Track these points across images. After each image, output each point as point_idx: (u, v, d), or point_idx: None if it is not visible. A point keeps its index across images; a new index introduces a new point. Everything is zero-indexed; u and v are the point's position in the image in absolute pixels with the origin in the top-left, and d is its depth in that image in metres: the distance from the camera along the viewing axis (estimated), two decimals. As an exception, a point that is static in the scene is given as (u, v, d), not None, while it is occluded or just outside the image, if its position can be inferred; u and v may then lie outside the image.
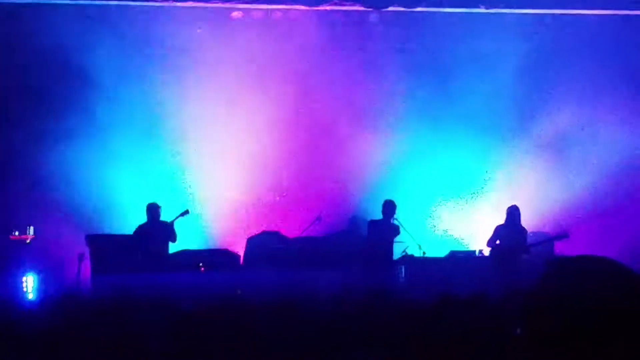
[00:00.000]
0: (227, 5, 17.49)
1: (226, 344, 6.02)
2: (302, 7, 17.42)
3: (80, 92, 16.89)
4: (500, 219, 14.81)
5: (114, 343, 5.80)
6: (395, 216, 14.86)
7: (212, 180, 17.13)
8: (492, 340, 5.18)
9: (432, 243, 16.23)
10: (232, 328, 6.28)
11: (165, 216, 15.02)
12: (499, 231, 14.66)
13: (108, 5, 17.28)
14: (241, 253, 15.18)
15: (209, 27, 17.27)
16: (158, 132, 17.22)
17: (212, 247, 16.35)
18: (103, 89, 16.78)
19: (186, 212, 15.05)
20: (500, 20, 17.42)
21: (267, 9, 17.56)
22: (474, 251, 15.47)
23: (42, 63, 16.81)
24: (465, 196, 17.58)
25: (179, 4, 17.24)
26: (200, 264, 14.59)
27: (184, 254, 15.09)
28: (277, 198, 17.47)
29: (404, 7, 17.43)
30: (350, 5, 17.55)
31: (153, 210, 15.03)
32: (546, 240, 14.88)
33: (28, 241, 16.39)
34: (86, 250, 14.86)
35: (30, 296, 15.04)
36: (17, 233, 16.41)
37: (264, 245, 15.07)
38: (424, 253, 15.09)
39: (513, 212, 14.69)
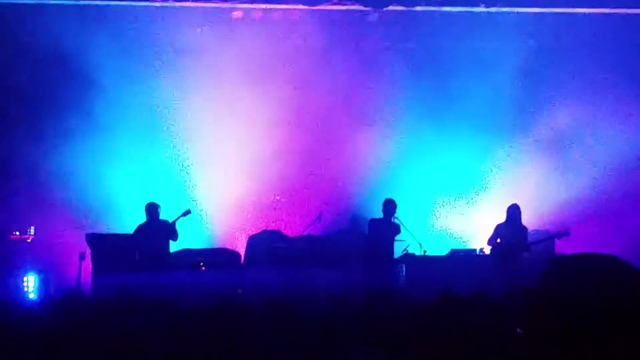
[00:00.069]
0: (227, 5, 17.48)
1: (226, 343, 6.02)
2: (302, 7, 17.42)
3: (80, 92, 16.90)
4: (501, 218, 14.81)
5: (114, 343, 5.81)
6: (395, 215, 14.85)
7: (213, 180, 17.13)
8: (493, 339, 5.19)
9: (432, 242, 16.22)
10: (233, 327, 6.29)
11: (166, 216, 15.01)
12: (499, 230, 14.66)
13: (108, 5, 17.27)
14: (242, 252, 15.18)
15: (209, 27, 17.27)
16: (158, 131, 17.23)
17: (213, 246, 16.34)
18: (103, 89, 16.77)
19: (188, 211, 15.03)
20: (500, 19, 17.40)
21: (267, 9, 17.55)
22: (475, 250, 15.46)
23: (42, 63, 16.82)
24: (466, 195, 17.58)
25: (178, 4, 17.23)
26: (201, 263, 14.59)
27: (185, 253, 15.09)
28: (278, 197, 17.47)
29: (404, 6, 17.42)
30: (349, 4, 17.54)
31: (152, 209, 15.00)
32: (547, 238, 14.87)
33: (29, 241, 16.41)
34: (87, 250, 14.85)
35: (31, 296, 15.05)
36: (18, 233, 16.43)
37: (265, 244, 15.06)
38: (424, 252, 15.09)
39: (513, 211, 14.68)
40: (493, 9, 17.45)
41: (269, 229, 15.98)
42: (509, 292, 8.14)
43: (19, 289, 15.10)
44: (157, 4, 17.25)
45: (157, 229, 14.83)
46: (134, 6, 17.34)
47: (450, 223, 17.46)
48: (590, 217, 16.59)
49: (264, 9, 17.55)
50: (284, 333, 6.14)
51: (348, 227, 15.99)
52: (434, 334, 5.41)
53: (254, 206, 17.26)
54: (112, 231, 15.87)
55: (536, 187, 16.93)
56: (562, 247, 14.63)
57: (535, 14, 17.59)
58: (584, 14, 17.59)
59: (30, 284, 15.28)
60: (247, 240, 15.30)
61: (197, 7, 17.33)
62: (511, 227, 14.56)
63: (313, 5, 17.36)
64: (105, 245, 14.73)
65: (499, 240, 14.58)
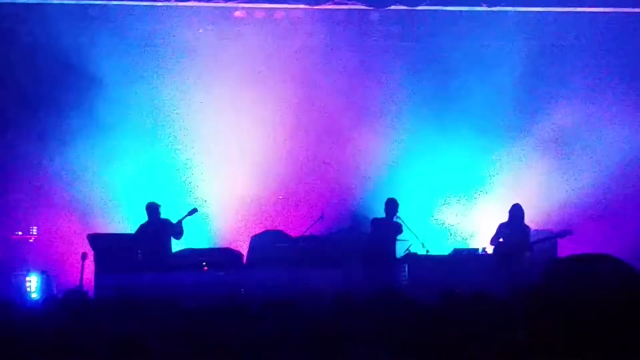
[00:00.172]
0: (230, 4, 17.48)
1: (229, 343, 6.02)
2: (304, 6, 17.42)
3: (83, 91, 16.91)
4: (504, 217, 14.80)
5: (117, 342, 5.81)
6: (397, 214, 14.85)
7: (215, 179, 17.14)
8: (495, 339, 5.19)
9: (435, 241, 16.22)
10: (235, 326, 6.29)
11: (171, 215, 15.04)
12: (502, 229, 14.65)
13: (111, 4, 17.28)
14: (244, 252, 15.18)
15: (212, 26, 17.27)
16: (161, 131, 17.25)
17: (215, 245, 16.34)
18: (105, 88, 16.78)
19: (194, 210, 15.08)
20: (502, 18, 17.39)
21: (269, 8, 17.55)
22: (477, 249, 15.45)
23: (44, 63, 16.82)
24: (468, 194, 17.58)
25: (181, 3, 17.23)
26: (204, 263, 14.59)
27: (187, 252, 15.09)
28: (280, 197, 17.48)
29: (406, 5, 17.41)
30: (351, 4, 17.54)
31: (152, 209, 15.02)
32: (549, 237, 14.86)
33: (31, 241, 16.42)
34: (89, 250, 14.86)
35: (34, 296, 15.06)
36: (20, 233, 16.44)
37: (267, 244, 15.05)
38: (427, 251, 15.08)
39: (516, 211, 14.66)
40: (495, 8, 17.44)
41: (271, 228, 15.98)
42: (512, 291, 8.14)
43: (22, 289, 15.11)
44: (159, 4, 17.25)
45: (158, 228, 14.84)
46: (136, 5, 17.34)
47: (452, 222, 17.45)
48: (593, 216, 16.58)
49: (266, 8, 17.54)
50: (286, 333, 6.14)
51: (350, 227, 15.99)
52: (437, 334, 5.41)
53: (256, 206, 17.26)
54: (114, 231, 15.89)
55: (538, 187, 16.93)
56: (565, 247, 14.62)
57: (537, 13, 17.57)
58: (586, 12, 17.57)
59: (33, 283, 15.29)
60: (250, 240, 15.29)
61: (199, 7, 17.33)
62: (514, 227, 14.54)
63: (315, 5, 17.36)
64: (108, 245, 14.73)
65: (501, 239, 14.57)
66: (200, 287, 13.26)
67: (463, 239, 17.13)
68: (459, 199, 17.59)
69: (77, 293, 9.99)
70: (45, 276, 15.22)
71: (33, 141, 16.91)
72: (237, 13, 17.59)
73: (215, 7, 17.42)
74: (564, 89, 17.35)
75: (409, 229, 14.98)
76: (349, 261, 14.35)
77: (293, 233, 15.82)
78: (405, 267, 14.57)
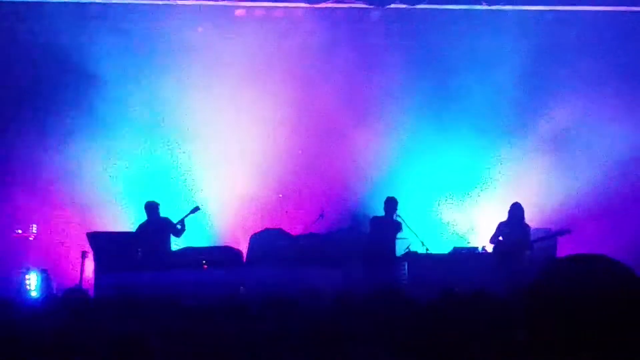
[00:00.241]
0: (230, 3, 17.48)
1: (228, 341, 6.02)
2: (304, 5, 17.42)
3: (82, 90, 16.92)
4: (503, 216, 14.81)
5: (116, 341, 5.81)
6: (397, 213, 14.86)
7: (215, 178, 17.14)
8: (495, 338, 5.18)
9: (435, 240, 16.23)
10: (235, 325, 6.29)
11: (172, 214, 15.07)
12: (501, 228, 14.66)
13: (110, 3, 17.29)
14: (244, 250, 15.19)
15: (212, 25, 17.27)
16: (161, 130, 17.25)
17: (215, 244, 16.35)
18: (105, 87, 16.79)
19: (197, 208, 15.15)
20: (502, 17, 17.39)
21: (269, 7, 17.56)
22: (477, 248, 15.46)
23: (44, 61, 16.84)
24: (468, 193, 17.58)
25: (181, 2, 17.24)
26: (204, 261, 14.60)
27: (187, 251, 15.11)
28: (280, 195, 17.48)
29: (405, 4, 17.42)
30: (351, 2, 17.55)
31: (151, 208, 15.05)
32: (549, 236, 14.87)
33: (31, 239, 16.42)
34: (89, 248, 14.87)
35: (34, 294, 15.06)
36: (20, 231, 16.45)
37: (267, 242, 15.07)
38: (427, 250, 15.09)
39: (516, 209, 14.67)
40: (494, 7, 17.44)
41: (271, 227, 15.99)
42: (512, 290, 8.14)
43: (21, 287, 15.12)
44: (159, 2, 17.25)
45: (157, 227, 14.87)
46: (136, 4, 17.35)
47: (452, 221, 17.46)
48: (592, 215, 16.58)
49: (266, 6, 17.55)
50: (286, 331, 6.14)
51: (350, 226, 15.99)
52: (436, 333, 5.41)
53: (256, 204, 17.27)
54: (114, 229, 15.91)
55: (538, 186, 16.93)
56: (565, 245, 14.63)
57: (536, 11, 17.58)
58: (585, 11, 17.58)
59: (32, 282, 15.30)
60: (250, 239, 15.31)
61: (199, 5, 17.33)
62: (513, 226, 14.55)
63: (315, 3, 17.36)
64: (107, 244, 14.74)
65: (501, 238, 14.58)
66: (200, 285, 13.26)
67: (463, 237, 17.13)
68: (458, 197, 17.59)
69: (76, 291, 9.99)
70: (44, 274, 15.22)
71: (32, 139, 16.91)
72: (237, 12, 17.59)
73: (215, 6, 17.43)
74: (563, 87, 17.35)
75: (408, 227, 14.99)
76: (349, 260, 14.34)
77: (293, 231, 15.83)
78: (405, 266, 14.57)
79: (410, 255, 14.76)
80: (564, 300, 3.18)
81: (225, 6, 17.48)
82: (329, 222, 16.26)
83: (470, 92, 17.15)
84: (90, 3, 17.21)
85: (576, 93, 17.22)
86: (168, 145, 17.32)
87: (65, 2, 17.01)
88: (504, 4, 17.40)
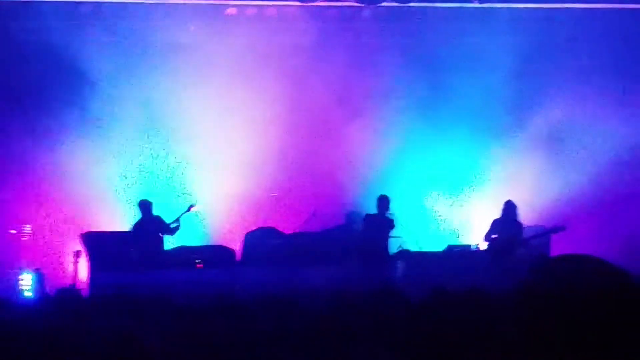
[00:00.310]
0: (221, 2, 17.47)
1: (222, 340, 6.02)
2: (296, 3, 17.41)
3: (74, 89, 16.89)
4: (497, 214, 14.84)
5: (110, 340, 5.81)
6: (389, 211, 14.87)
7: (208, 177, 17.12)
8: (486, 335, 5.19)
9: (428, 237, 16.23)
10: (228, 324, 6.29)
11: (168, 213, 15.11)
12: (495, 225, 14.68)
13: (102, 2, 17.26)
14: (237, 249, 15.19)
15: (203, 23, 17.24)
16: (154, 129, 17.22)
17: (209, 243, 16.35)
18: (98, 86, 16.76)
19: (192, 206, 15.22)
20: (494, 14, 17.39)
21: (261, 6, 17.54)
22: (471, 245, 15.47)
23: (36, 60, 16.80)
24: (462, 191, 17.58)
25: (173, 0, 17.22)
26: (197, 260, 14.61)
27: (181, 250, 15.12)
28: (274, 194, 17.46)
29: (397, 2, 17.41)
30: (343, 1, 17.54)
31: (145, 207, 15.09)
32: (543, 233, 14.90)
33: (24, 239, 16.40)
34: (83, 248, 14.86)
35: (27, 294, 15.05)
36: (14, 231, 16.42)
37: (261, 240, 15.09)
38: (420, 247, 15.11)
39: (509, 207, 14.70)
40: (486, 5, 17.44)
41: (264, 225, 15.99)
42: (505, 287, 8.15)
43: (15, 288, 15.10)
44: (151, 1, 17.23)
45: (151, 226, 14.88)
46: (128, 3, 17.32)
47: (445, 219, 17.46)
48: (586, 212, 16.60)
49: (257, 5, 17.54)
50: (279, 330, 6.14)
51: (343, 223, 16.00)
52: (428, 331, 5.41)
53: (249, 203, 17.25)
54: (107, 229, 15.90)
55: (532, 183, 16.94)
56: (558, 242, 14.65)
57: (528, 9, 17.58)
58: (578, 9, 17.59)
59: (26, 282, 15.28)
60: (244, 237, 15.31)
61: (190, 4, 17.31)
62: (507, 223, 14.58)
63: (307, 2, 17.35)
64: (101, 244, 14.74)
65: (494, 236, 14.60)
66: (194, 284, 13.26)
67: (456, 235, 17.13)
68: (452, 195, 17.59)
69: (70, 291, 9.99)
70: (38, 275, 15.20)
71: (25, 139, 16.87)
72: (229, 10, 17.57)
73: (206, 5, 17.41)
74: (556, 85, 17.35)
75: (401, 225, 15.00)
76: (342, 258, 14.35)
77: (286, 230, 15.83)
78: (398, 264, 14.58)
79: (404, 253, 14.77)
80: (554, 299, 3.20)
81: (216, 5, 17.46)
82: (322, 220, 16.25)
83: (462, 90, 17.14)
84: (83, 2, 17.18)
85: (569, 91, 17.23)
86: (161, 145, 17.29)
87: (57, 1, 16.98)
88: (496, 2, 17.39)
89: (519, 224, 14.69)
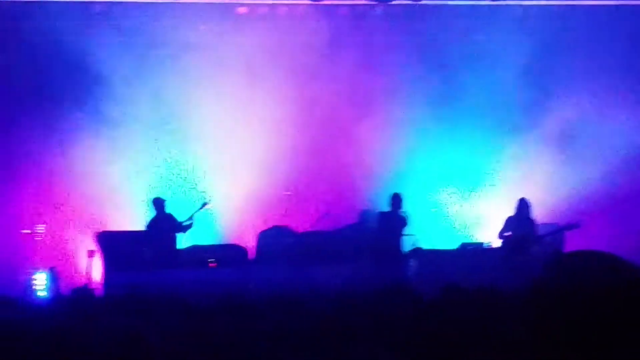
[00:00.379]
0: (233, 1, 17.48)
1: (235, 339, 6.02)
2: (307, 2, 17.41)
3: (87, 89, 16.92)
4: (510, 212, 14.81)
5: (123, 339, 5.81)
6: (402, 208, 14.87)
7: (221, 176, 17.13)
8: (499, 332, 5.17)
9: (442, 235, 16.21)
10: (242, 323, 6.29)
11: (182, 211, 15.15)
12: (509, 223, 14.66)
13: (114, 2, 17.29)
14: (251, 248, 15.20)
15: (214, 23, 17.26)
16: (166, 128, 17.24)
17: (222, 242, 16.36)
18: (110, 85, 16.78)
19: (206, 203, 15.30)
20: (506, 12, 17.35)
21: (272, 4, 17.55)
22: (484, 243, 15.44)
23: (49, 61, 16.85)
24: (475, 188, 17.54)
25: (184, 0, 17.23)
26: (211, 259, 14.63)
27: (194, 249, 15.14)
28: (287, 193, 17.46)
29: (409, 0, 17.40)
30: (354, -1, 17.55)
31: (158, 204, 15.16)
32: (557, 230, 14.86)
33: (38, 238, 16.44)
34: (96, 247, 14.89)
35: (41, 294, 15.09)
36: (27, 231, 16.46)
37: (275, 239, 15.10)
38: (434, 246, 15.09)
39: (523, 205, 14.68)
40: (499, 2, 17.41)
41: (278, 224, 15.99)
42: (519, 285, 8.13)
43: (29, 287, 15.14)
44: (162, 1, 17.25)
45: (165, 223, 14.94)
46: (140, 3, 17.35)
47: (459, 216, 17.43)
48: (600, 209, 16.54)
49: (269, 4, 17.54)
50: (293, 328, 6.14)
51: (356, 222, 15.98)
52: (441, 330, 5.40)
53: (262, 202, 17.24)
54: (120, 228, 15.93)
55: (545, 180, 16.89)
56: (572, 240, 14.61)
57: (541, 6, 17.54)
58: (591, 5, 17.53)
59: (40, 282, 15.32)
60: (258, 236, 15.32)
61: (202, 3, 17.33)
62: (521, 221, 14.56)
63: (318, 0, 17.34)
64: (116, 243, 14.78)
65: (508, 233, 14.58)
66: (207, 283, 13.28)
67: (470, 233, 17.10)
68: (465, 193, 17.55)
69: (84, 291, 10.01)
70: (52, 274, 15.23)
71: (39, 139, 16.92)
72: (240, 9, 17.58)
73: (217, 4, 17.42)
74: (569, 82, 17.29)
75: (414, 223, 14.99)
76: (356, 256, 14.35)
77: (300, 229, 15.82)
78: (411, 262, 14.57)
79: (417, 251, 14.76)
80: (568, 297, 3.18)
81: (228, 4, 17.47)
82: (336, 218, 16.24)
83: (474, 87, 17.10)
84: (95, 2, 17.21)
85: (581, 88, 17.17)
86: (173, 144, 17.31)
87: (68, 1, 17.02)
88: (508, -1, 17.38)
89: (533, 222, 14.66)
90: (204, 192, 16.83)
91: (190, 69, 17.04)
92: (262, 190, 17.15)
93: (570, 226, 14.72)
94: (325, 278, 13.27)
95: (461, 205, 17.48)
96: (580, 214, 15.61)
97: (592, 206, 16.47)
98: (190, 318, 6.65)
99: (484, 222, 16.97)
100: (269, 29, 17.31)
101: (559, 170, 17.19)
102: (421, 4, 17.50)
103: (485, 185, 17.50)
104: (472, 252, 14.89)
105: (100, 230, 15.43)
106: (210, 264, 14.67)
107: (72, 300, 8.11)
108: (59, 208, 16.80)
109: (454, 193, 17.54)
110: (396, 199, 14.97)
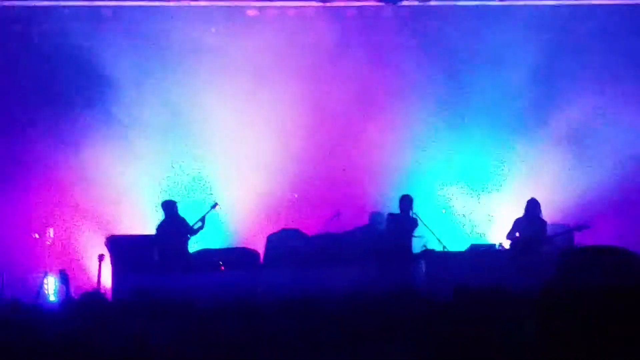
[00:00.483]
0: (242, 3, 17.50)
1: (245, 342, 6.02)
2: (316, 4, 17.41)
3: (98, 92, 16.96)
4: (520, 212, 14.78)
5: (133, 344, 5.82)
6: (413, 210, 14.85)
7: (230, 178, 17.15)
8: (509, 333, 5.16)
9: (451, 237, 16.19)
10: (252, 326, 6.29)
11: (191, 214, 15.16)
12: (518, 224, 14.63)
13: (123, 5, 17.33)
14: (261, 251, 15.20)
15: (224, 25, 17.28)
16: (176, 131, 17.26)
17: (232, 245, 16.36)
18: (121, 89, 16.83)
19: (215, 205, 15.29)
20: (515, 12, 17.33)
21: (281, 6, 17.56)
22: (495, 245, 15.41)
23: (60, 64, 16.90)
24: (485, 189, 17.52)
25: (194, 2, 17.26)
26: (220, 263, 14.63)
27: (204, 252, 15.14)
28: (296, 195, 17.46)
29: (418, 1, 17.38)
30: (364, 0, 17.53)
31: (169, 207, 15.14)
32: (566, 231, 14.83)
33: (48, 243, 16.46)
34: (106, 251, 14.90)
35: (52, 298, 15.10)
36: (37, 235, 16.49)
37: (284, 242, 15.09)
38: (443, 247, 15.06)
39: (532, 205, 14.65)
40: (508, 2, 17.39)
41: (287, 227, 15.98)
42: (529, 286, 8.11)
43: (39, 292, 15.16)
44: (172, 4, 17.28)
45: (175, 226, 14.93)
46: (149, 6, 17.37)
47: (468, 218, 17.41)
48: (610, 209, 16.51)
49: (278, 6, 17.55)
50: (303, 331, 6.13)
51: (366, 224, 15.97)
52: (452, 331, 5.39)
53: (272, 205, 17.25)
54: (130, 232, 15.95)
55: (555, 180, 16.87)
56: (582, 240, 14.57)
57: (550, 6, 17.51)
58: (600, 5, 17.50)
59: (50, 286, 15.34)
60: (266, 239, 15.32)
61: (211, 6, 17.35)
62: (530, 221, 14.52)
63: (327, 2, 17.35)
64: (126, 247, 14.79)
65: (517, 234, 14.55)
66: (218, 287, 13.28)
67: (479, 234, 17.08)
68: (475, 194, 17.54)
69: (94, 295, 10.01)
70: (62, 278, 15.25)
71: (48, 143, 16.95)
72: (250, 12, 17.60)
73: (227, 6, 17.44)
74: (578, 82, 17.26)
75: (424, 224, 14.97)
76: (366, 258, 14.34)
77: (309, 231, 15.81)
78: (422, 263, 14.55)
79: (427, 253, 14.74)
80: (581, 294, 3.16)
81: (237, 7, 17.48)
82: (345, 220, 16.23)
83: (484, 88, 17.10)
84: (103, 6, 17.25)
85: (592, 88, 17.14)
86: (183, 147, 17.33)
87: (77, 6, 17.06)
88: (517, -1, 17.36)
89: (543, 222, 14.63)
90: (213, 195, 16.84)
91: (200, 71, 17.07)
92: (271, 192, 17.16)
93: (580, 227, 14.68)
94: (335, 280, 13.25)
95: (471, 206, 17.46)
96: (590, 215, 15.58)
97: (602, 207, 16.43)
98: (200, 322, 6.65)
99: (493, 223, 16.95)
100: (278, 31, 17.32)
101: (570, 171, 17.16)
102: (430, 5, 17.49)
103: (495, 185, 17.48)
104: (482, 253, 14.85)
105: (110, 234, 15.43)
106: (221, 267, 14.67)
107: (82, 304, 8.12)
108: (69, 212, 16.83)
109: (464, 194, 17.52)
110: (406, 201, 14.94)
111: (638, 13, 17.50)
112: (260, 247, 15.35)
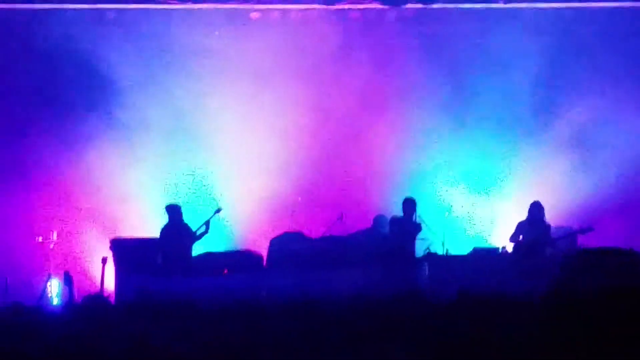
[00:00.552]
0: (245, 6, 17.50)
1: (249, 345, 6.02)
2: (320, 7, 17.42)
3: (102, 95, 16.98)
4: (523, 215, 14.78)
5: (137, 347, 5.82)
6: (416, 213, 14.85)
7: (234, 182, 17.15)
8: (512, 338, 5.16)
9: (454, 240, 16.18)
10: (255, 329, 6.29)
11: (195, 218, 15.16)
12: (521, 227, 14.63)
13: (127, 9, 17.34)
14: (264, 254, 15.19)
15: (227, 28, 17.30)
16: (180, 134, 17.27)
17: (235, 248, 16.36)
18: (124, 92, 16.84)
19: (219, 209, 15.30)
20: (519, 15, 17.34)
21: (285, 9, 17.57)
22: (498, 248, 15.41)
23: (63, 67, 16.91)
24: (488, 192, 17.51)
25: (197, 6, 17.27)
26: (225, 267, 14.64)
27: (208, 256, 15.14)
28: (299, 198, 17.46)
29: (421, 3, 17.39)
30: (367, 3, 17.53)
31: (173, 210, 15.14)
32: (570, 234, 14.83)
33: (51, 246, 16.47)
34: (110, 254, 14.91)
35: (55, 301, 15.11)
36: (40, 238, 16.49)
37: (287, 245, 15.08)
38: (447, 250, 15.05)
39: (536, 208, 14.64)
40: (511, 5, 17.40)
41: (290, 230, 15.97)
42: (532, 289, 8.11)
43: (43, 295, 15.17)
44: (176, 7, 17.29)
45: (179, 230, 14.93)
46: (152, 9, 17.39)
47: (471, 221, 17.40)
48: (613, 212, 16.50)
49: (281, 9, 17.57)
50: (306, 334, 6.14)
51: (369, 227, 15.96)
52: (455, 333, 5.38)
53: (275, 208, 17.25)
54: (133, 235, 15.95)
55: (558, 183, 16.86)
56: (586, 243, 14.56)
57: (553, 9, 17.51)
58: (603, 8, 17.50)
59: (53, 289, 15.34)
60: (269, 242, 15.31)
61: (214, 9, 17.36)
62: (533, 224, 14.52)
63: (331, 5, 17.36)
64: (130, 250, 14.79)
65: (521, 237, 14.55)
66: (221, 289, 13.28)
67: (482, 237, 17.07)
68: (478, 197, 17.53)
69: (97, 298, 10.03)
70: (65, 281, 15.26)
71: (51, 146, 16.96)
72: (253, 15, 17.61)
73: (230, 9, 17.45)
74: (581, 85, 17.26)
75: (428, 228, 14.97)
76: (369, 261, 14.33)
77: (312, 234, 15.81)
78: (425, 267, 14.55)
79: (430, 256, 14.73)
80: (586, 296, 3.16)
81: (240, 10, 17.49)
82: (348, 224, 16.22)
83: (487, 91, 17.09)
84: (107, 9, 17.27)
85: (595, 91, 17.14)
86: (187, 150, 17.33)
87: (81, 9, 17.08)
88: (521, 2, 17.33)
89: (546, 225, 14.62)
90: (217, 198, 16.85)
91: (203, 74, 17.08)
92: (274, 195, 17.16)
93: (584, 230, 14.68)
94: (338, 283, 13.25)
95: (474, 209, 17.45)
96: (594, 217, 15.58)
97: (606, 209, 16.42)
98: (203, 325, 6.65)
99: (496, 226, 16.95)
100: (282, 33, 17.33)
101: (573, 173, 17.15)
102: (433, 8, 17.49)
103: (498, 188, 17.47)
104: (485, 257, 14.85)
105: (114, 237, 15.44)
106: (224, 271, 14.67)
107: (86, 307, 8.12)
108: (73, 215, 16.84)
109: (467, 197, 17.52)
110: (409, 204, 14.94)
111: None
112: (263, 250, 15.34)
